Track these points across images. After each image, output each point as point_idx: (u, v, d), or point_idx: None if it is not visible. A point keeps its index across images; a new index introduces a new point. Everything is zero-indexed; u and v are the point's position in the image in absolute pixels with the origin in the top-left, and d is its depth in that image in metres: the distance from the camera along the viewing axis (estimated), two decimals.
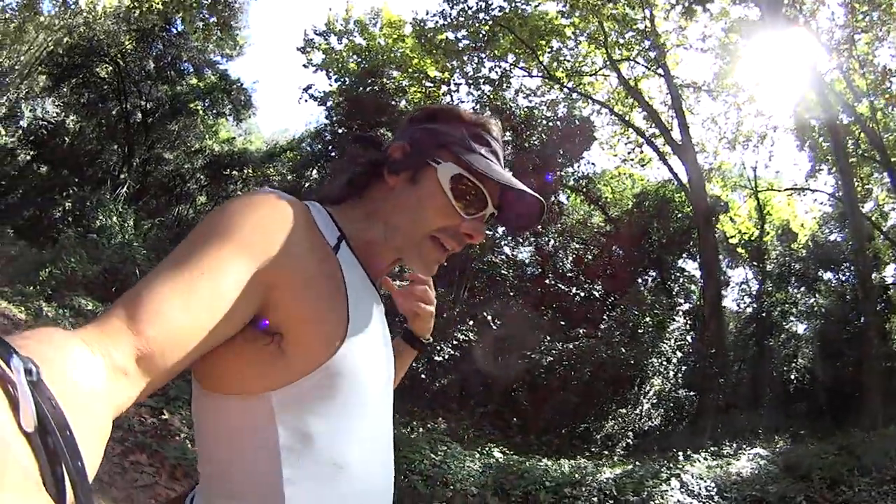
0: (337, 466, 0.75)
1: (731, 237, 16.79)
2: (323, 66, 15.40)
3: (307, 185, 13.75)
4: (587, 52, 14.94)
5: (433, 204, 0.86)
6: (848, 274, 16.14)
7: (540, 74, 14.24)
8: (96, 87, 15.96)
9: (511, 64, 14.22)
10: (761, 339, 15.26)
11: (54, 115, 16.57)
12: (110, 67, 15.81)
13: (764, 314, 15.26)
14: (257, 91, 34.67)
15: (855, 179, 17.00)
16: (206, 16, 14.32)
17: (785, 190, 17.69)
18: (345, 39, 15.57)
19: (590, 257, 13.10)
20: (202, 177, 17.17)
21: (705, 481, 6.28)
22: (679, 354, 11.30)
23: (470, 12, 13.19)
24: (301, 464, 0.73)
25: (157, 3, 11.31)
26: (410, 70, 14.08)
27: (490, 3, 13.17)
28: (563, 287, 11.10)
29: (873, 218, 18.04)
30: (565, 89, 14.86)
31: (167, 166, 17.42)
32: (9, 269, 9.75)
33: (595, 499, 5.64)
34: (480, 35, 13.27)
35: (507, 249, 13.39)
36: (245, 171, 16.46)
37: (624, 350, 10.39)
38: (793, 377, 15.13)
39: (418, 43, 13.37)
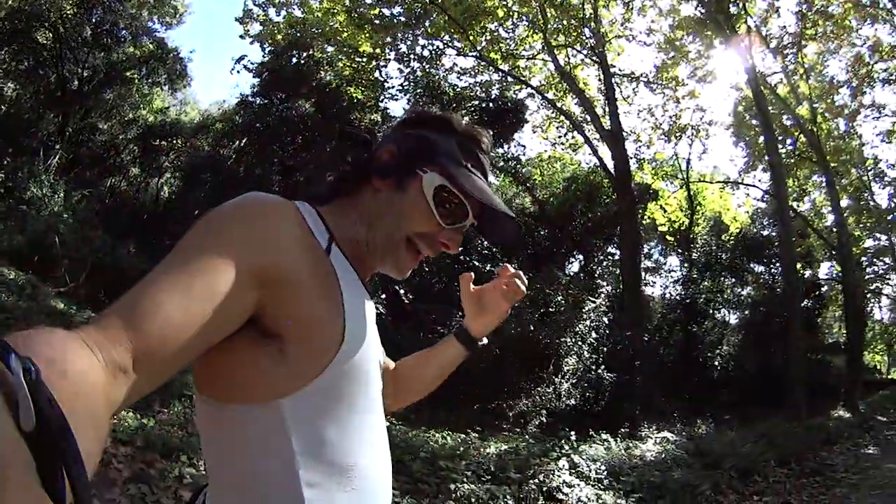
0: (348, 466, 0.77)
1: (661, 225, 17.16)
2: (259, 37, 15.20)
3: (231, 157, 13.61)
4: (525, 35, 15.02)
5: (415, 212, 0.88)
6: (779, 268, 16.60)
7: (473, 55, 14.26)
8: (35, 53, 15.46)
9: (445, 43, 14.22)
10: (686, 325, 15.62)
11: None
12: (50, 33, 15.35)
13: (689, 301, 15.62)
14: (194, 61, 34.17)
15: (793, 180, 17.61)
16: None
17: (716, 182, 18.18)
18: (283, 11, 15.38)
19: None
20: (135, 148, 16.81)
21: (596, 463, 6.09)
22: (594, 335, 11.48)
23: None
24: (317, 466, 0.74)
25: None
26: (339, 44, 13.96)
27: None
28: (477, 263, 11.16)
29: (809, 217, 18.66)
30: (500, 72, 14.90)
31: (101, 136, 16.97)
32: None
33: (469, 472, 5.37)
34: (414, 12, 13.22)
35: None
36: (175, 142, 16.18)
37: (533, 327, 10.49)
38: (716, 363, 15.50)
39: (349, 17, 13.26)
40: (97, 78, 16.08)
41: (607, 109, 14.06)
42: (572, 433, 7.00)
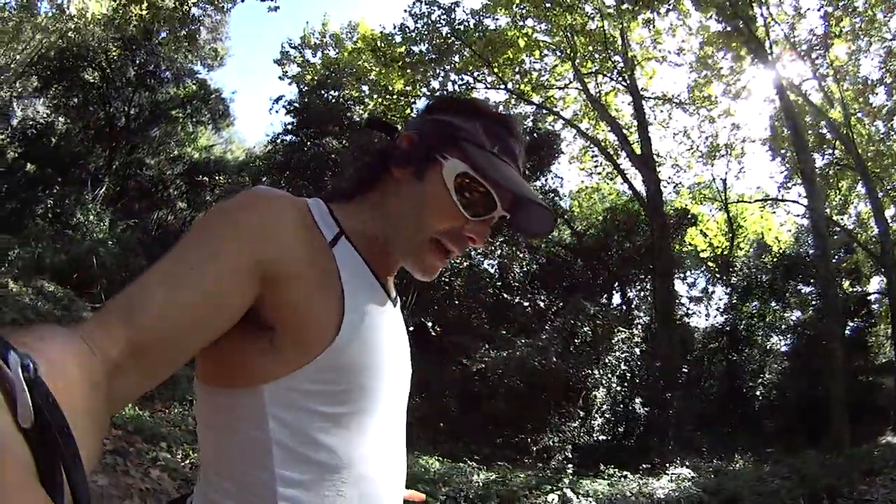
0: (336, 465, 0.73)
1: (703, 250, 16.71)
2: (296, 78, 15.83)
3: None
4: (555, 65, 15.08)
5: (437, 203, 0.81)
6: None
7: (503, 88, 14.41)
8: (84, 90, 16.52)
9: (475, 78, 14.42)
10: (727, 354, 15.12)
11: (45, 115, 17.25)
12: (97, 73, 16.42)
13: (729, 328, 15.14)
14: (236, 101, 35.48)
15: (834, 192, 16.85)
16: (178, 28, 14.81)
17: (755, 201, 17.58)
18: (319, 53, 15.98)
19: (535, 267, 13.17)
20: (182, 183, 17.67)
21: (589, 498, 5.96)
22: (623, 367, 11.28)
23: (431, 25, 13.37)
24: (295, 460, 0.71)
25: (138, 13, 11.77)
26: (370, 82, 14.36)
27: (452, 16, 13.35)
28: (506, 297, 11.22)
29: (854, 230, 17.75)
30: (532, 104, 14.99)
31: (149, 171, 17.90)
32: None
33: (445, 498, 5.42)
34: (439, 48, 13.47)
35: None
36: (219, 178, 16.93)
37: (556, 360, 10.42)
38: (758, 393, 14.92)
39: (375, 56, 13.64)
40: (143, 116, 17.04)
41: (638, 135, 13.95)
42: (569, 469, 7.03)
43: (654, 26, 14.37)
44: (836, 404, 10.69)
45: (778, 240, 17.55)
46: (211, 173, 17.02)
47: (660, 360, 11.68)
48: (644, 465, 8.58)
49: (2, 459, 0.34)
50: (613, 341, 11.22)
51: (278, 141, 13.91)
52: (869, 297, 17.69)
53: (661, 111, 16.13)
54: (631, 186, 13.89)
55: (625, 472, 7.31)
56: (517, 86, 14.65)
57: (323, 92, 13.72)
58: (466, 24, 13.27)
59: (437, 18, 13.23)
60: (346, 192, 0.88)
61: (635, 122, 14.91)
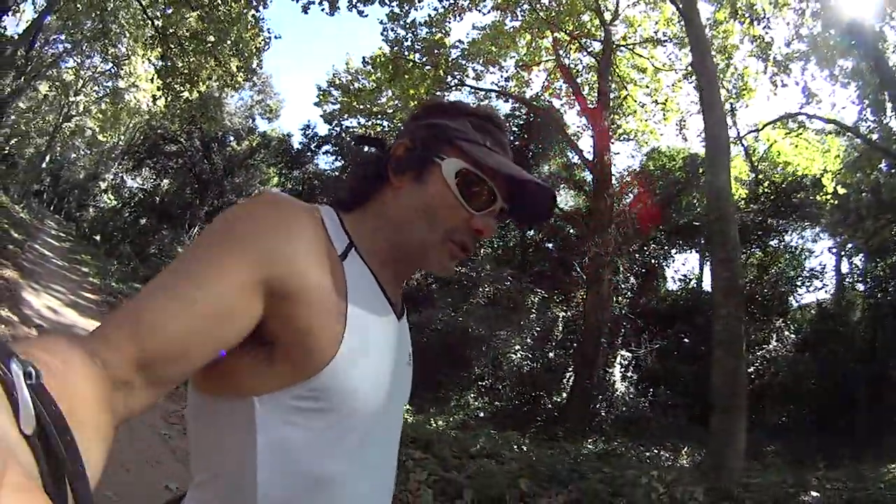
0: (318, 480, 0.73)
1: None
2: (330, 116, 18.92)
3: None
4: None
5: (441, 203, 0.81)
6: None
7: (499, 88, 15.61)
8: (175, 157, 21.18)
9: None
10: None
11: (151, 180, 22.08)
12: (176, 146, 21.12)
13: None
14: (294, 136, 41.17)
15: None
16: (212, 110, 18.21)
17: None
18: (351, 87, 18.50)
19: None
20: None
21: None
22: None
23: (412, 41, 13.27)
24: (277, 472, 0.71)
25: (193, 96, 15.01)
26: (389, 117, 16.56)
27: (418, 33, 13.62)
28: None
29: None
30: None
31: None
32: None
33: None
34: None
35: None
36: None
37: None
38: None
39: (386, 72, 14.37)
40: (221, 170, 21.40)
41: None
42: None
43: None
44: None
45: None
46: None
47: None
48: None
49: (6, 464, 0.32)
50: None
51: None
52: None
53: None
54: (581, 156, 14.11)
55: None
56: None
57: (339, 126, 16.51)
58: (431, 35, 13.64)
59: (404, 37, 13.43)
60: (348, 201, 0.87)
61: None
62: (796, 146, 13.94)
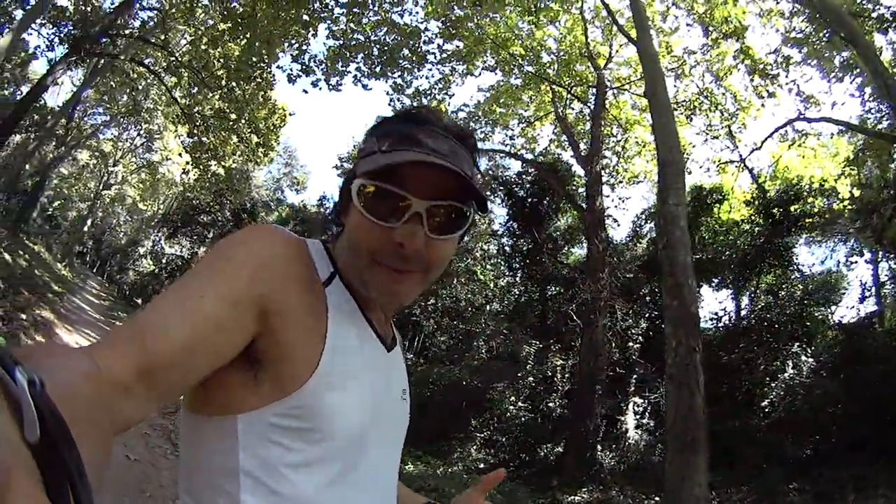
0: (301, 501, 0.74)
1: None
2: None
3: None
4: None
5: (358, 227, 0.80)
6: None
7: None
8: (209, 227, 22.70)
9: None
10: None
11: (188, 248, 23.53)
12: (208, 217, 22.43)
13: None
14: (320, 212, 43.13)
15: None
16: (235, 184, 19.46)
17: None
18: None
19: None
20: None
21: None
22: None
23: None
24: (260, 491, 0.73)
25: (214, 174, 16.14)
26: None
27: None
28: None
29: None
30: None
31: None
32: None
33: None
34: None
35: None
36: None
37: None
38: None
39: None
40: None
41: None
42: None
43: None
44: None
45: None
46: None
47: None
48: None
49: (11, 472, 0.33)
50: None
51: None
52: None
53: None
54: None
55: None
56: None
57: None
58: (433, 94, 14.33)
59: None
60: (337, 235, 0.90)
61: None
62: (803, 156, 14.04)
